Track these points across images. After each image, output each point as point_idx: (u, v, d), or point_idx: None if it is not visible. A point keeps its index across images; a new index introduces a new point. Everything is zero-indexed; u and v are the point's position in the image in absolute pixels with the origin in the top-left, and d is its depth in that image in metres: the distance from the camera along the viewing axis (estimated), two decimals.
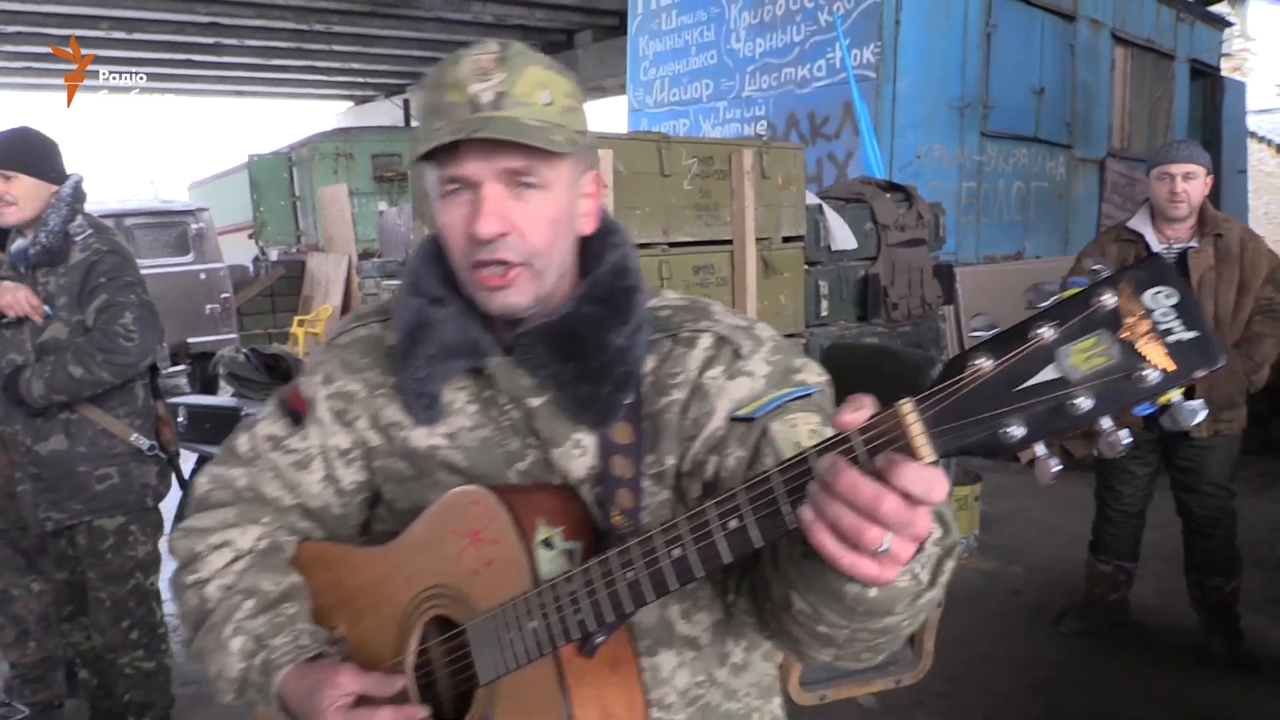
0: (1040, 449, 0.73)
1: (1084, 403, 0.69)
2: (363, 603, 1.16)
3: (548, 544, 1.00)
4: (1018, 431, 0.71)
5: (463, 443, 1.13)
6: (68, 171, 2.84)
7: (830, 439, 0.78)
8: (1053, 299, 0.71)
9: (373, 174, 15.68)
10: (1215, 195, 3.69)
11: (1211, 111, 11.39)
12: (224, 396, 4.66)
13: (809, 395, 1.04)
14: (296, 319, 13.09)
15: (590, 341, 1.07)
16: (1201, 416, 0.72)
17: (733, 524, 0.84)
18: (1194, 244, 3.42)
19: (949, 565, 0.91)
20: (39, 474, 2.79)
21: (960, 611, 2.44)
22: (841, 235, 4.40)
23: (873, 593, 0.85)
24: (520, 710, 1.01)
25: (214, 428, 3.89)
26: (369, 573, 1.15)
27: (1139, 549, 3.77)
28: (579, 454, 1.09)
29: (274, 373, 4.52)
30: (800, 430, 1.02)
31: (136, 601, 2.89)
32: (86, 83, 17.29)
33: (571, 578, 0.95)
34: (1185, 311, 0.67)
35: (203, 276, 10.45)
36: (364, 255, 13.00)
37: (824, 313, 4.42)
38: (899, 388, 2.45)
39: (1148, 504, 3.70)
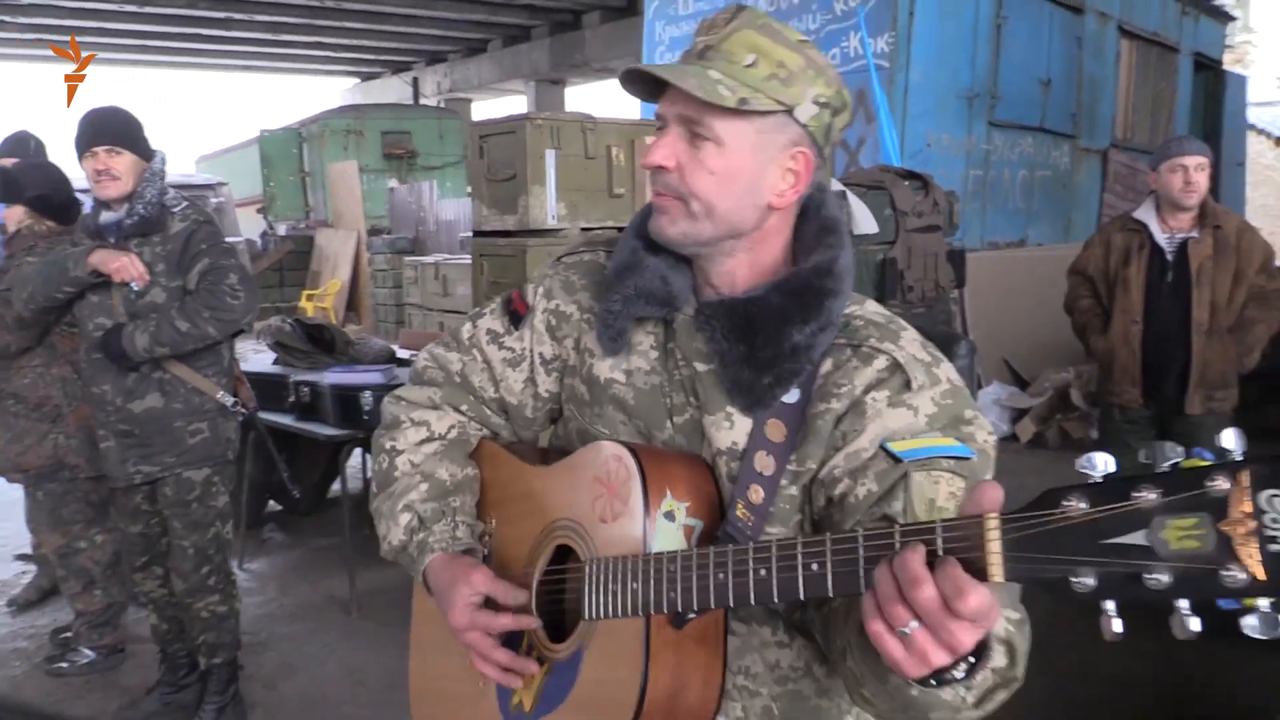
0: (1109, 607, 0.71)
1: (1163, 579, 0.67)
2: (515, 510, 1.28)
3: (669, 516, 1.06)
4: (1089, 583, 0.70)
5: (635, 383, 1.20)
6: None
7: (918, 525, 0.82)
8: (1171, 462, 0.69)
9: (382, 151, 15.80)
10: (1214, 187, 3.91)
11: (1213, 104, 11.54)
12: (266, 363, 4.85)
13: (966, 459, 1.02)
14: (305, 293, 13.25)
15: (766, 330, 1.09)
16: None
17: (814, 567, 0.88)
18: (1194, 234, 3.65)
19: (1001, 696, 0.92)
20: (129, 430, 2.97)
21: None
22: (864, 220, 4.61)
23: (914, 691, 0.87)
24: (608, 653, 1.09)
25: (259, 394, 4.08)
26: (526, 485, 1.27)
27: None
28: (728, 427, 1.12)
29: (317, 342, 4.73)
30: (941, 490, 1.00)
31: (215, 549, 3.09)
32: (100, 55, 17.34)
33: (675, 559, 1.01)
34: None
35: None
36: (373, 231, 13.15)
37: None
38: None
39: None
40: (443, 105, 19.78)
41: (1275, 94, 18.74)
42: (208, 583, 3.09)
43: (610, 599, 1.07)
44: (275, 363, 4.81)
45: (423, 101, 19.97)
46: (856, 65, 7.14)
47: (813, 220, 1.16)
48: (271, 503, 5.39)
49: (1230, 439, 0.68)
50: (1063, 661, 3.49)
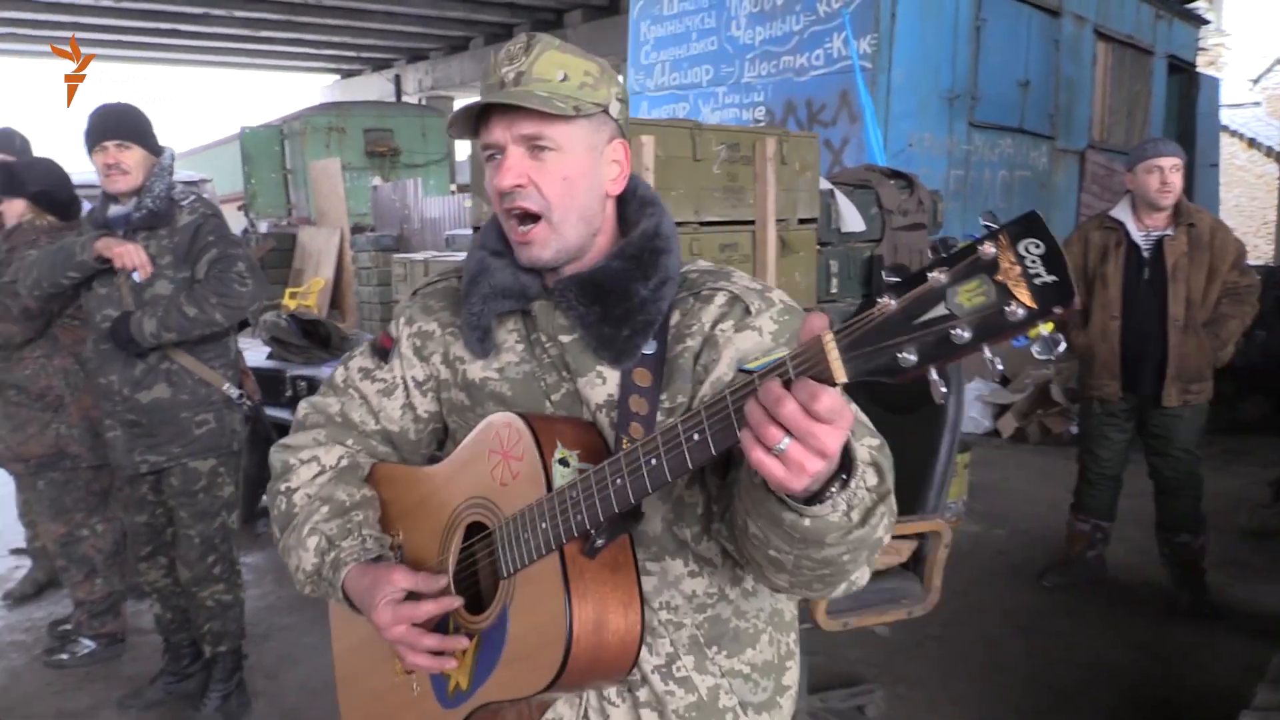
0: (933, 374, 0.83)
1: (964, 333, 0.79)
2: (419, 513, 1.35)
3: (564, 462, 1.16)
4: (911, 357, 0.81)
5: (509, 375, 1.31)
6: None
7: (769, 365, 0.92)
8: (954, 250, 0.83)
9: (365, 149, 15.76)
10: (1188, 188, 4.04)
11: (1187, 106, 11.72)
12: (261, 358, 4.88)
13: None
14: (288, 291, 13.19)
15: (616, 291, 1.23)
16: (1061, 349, 0.79)
17: (695, 436, 0.98)
18: (1169, 232, 3.77)
19: (882, 511, 1.03)
20: (136, 420, 3.02)
21: (951, 568, 2.74)
22: (851, 218, 4.71)
23: (806, 522, 0.97)
24: (531, 597, 1.17)
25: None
26: (424, 487, 1.36)
27: (1115, 510, 4.13)
28: (600, 383, 1.25)
29: (312, 337, 4.78)
30: None
31: (221, 538, 3.14)
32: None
33: (575, 484, 1.11)
34: (1050, 260, 0.76)
35: None
36: (356, 229, 13.13)
37: (833, 290, 4.74)
38: None
39: (1124, 468, 4.05)
40: (425, 103, 19.75)
41: (1248, 96, 19.01)
42: (213, 571, 3.14)
43: (524, 547, 1.16)
44: (270, 357, 4.86)
45: (405, 99, 19.93)
46: (840, 66, 7.25)
47: (632, 198, 1.32)
48: (265, 497, 5.43)
49: (987, 218, 0.82)
50: (1046, 647, 3.61)
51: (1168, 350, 3.75)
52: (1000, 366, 0.80)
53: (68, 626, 3.82)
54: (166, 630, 3.36)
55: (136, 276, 2.93)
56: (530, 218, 1.23)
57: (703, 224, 3.68)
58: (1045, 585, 4.15)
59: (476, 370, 1.34)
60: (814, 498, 0.97)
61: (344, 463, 1.41)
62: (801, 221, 4.32)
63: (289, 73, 23.16)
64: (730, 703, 1.29)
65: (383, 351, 1.43)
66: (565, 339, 1.27)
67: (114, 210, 3.00)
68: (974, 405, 6.83)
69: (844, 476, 0.97)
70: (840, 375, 0.86)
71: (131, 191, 2.96)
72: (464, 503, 1.27)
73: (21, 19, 15.20)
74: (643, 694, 1.27)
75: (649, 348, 1.23)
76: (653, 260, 1.24)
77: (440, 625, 1.26)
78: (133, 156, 2.92)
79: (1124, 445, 4.00)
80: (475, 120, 1.24)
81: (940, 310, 0.80)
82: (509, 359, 1.32)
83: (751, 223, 3.87)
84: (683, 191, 3.56)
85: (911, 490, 2.79)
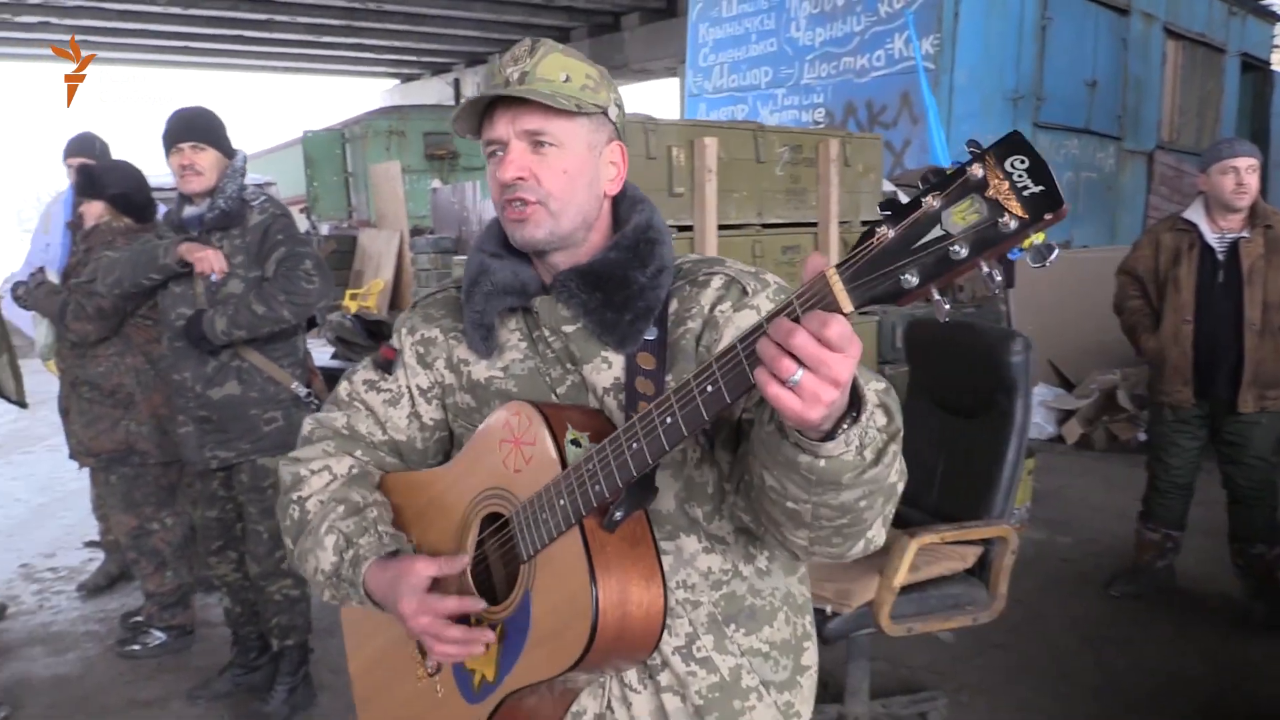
0: (936, 294, 0.86)
1: (961, 250, 0.82)
2: (431, 514, 1.37)
3: (575, 443, 1.18)
4: (913, 279, 0.84)
5: (514, 373, 1.34)
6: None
7: (779, 304, 0.94)
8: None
9: (424, 152, 15.94)
10: (1264, 189, 3.93)
11: (1261, 104, 11.43)
12: (325, 357, 4.97)
13: None
14: (349, 292, 13.39)
15: (615, 279, 1.27)
16: (1054, 256, 0.82)
17: (709, 388, 1.00)
18: (1245, 234, 3.67)
19: (894, 450, 1.05)
20: (208, 416, 3.09)
21: (1015, 575, 2.70)
22: None
23: (822, 462, 0.99)
24: (554, 576, 1.18)
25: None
26: (436, 487, 1.37)
27: (1186, 519, 4.03)
28: (606, 368, 1.28)
29: (376, 337, 4.85)
30: None
31: None
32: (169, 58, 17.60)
33: (590, 457, 1.14)
34: (1036, 172, 0.79)
35: None
36: (415, 231, 13.28)
37: None
38: (980, 361, 2.73)
39: (1195, 476, 3.95)
40: None
41: None
42: (281, 566, 3.19)
43: (543, 527, 1.18)
44: (334, 357, 4.95)
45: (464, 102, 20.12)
46: (901, 67, 7.19)
47: (624, 198, 1.37)
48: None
49: (971, 145, 0.84)
50: (1118, 658, 3.54)
51: (1243, 355, 3.66)
52: (999, 278, 0.83)
53: (139, 618, 3.92)
54: (235, 623, 3.43)
55: (214, 277, 3.00)
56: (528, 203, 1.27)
57: (765, 226, 3.66)
58: (1113, 594, 4.06)
59: (481, 370, 1.37)
60: (826, 436, 0.98)
61: (354, 470, 1.44)
62: (865, 223, 4.27)
63: (350, 77, 23.52)
64: (752, 682, 1.30)
65: (386, 364, 1.45)
66: (569, 329, 1.30)
67: (188, 211, 3.07)
68: (1037, 410, 6.71)
69: (854, 414, 0.98)
70: (847, 304, 0.88)
71: (205, 192, 3.03)
72: (478, 496, 1.29)
73: (93, 26, 15.62)
74: (664, 678, 1.28)
75: (650, 334, 1.27)
76: (648, 250, 1.29)
77: (460, 622, 1.27)
78: (206, 158, 2.99)
79: (1196, 453, 3.90)
80: (479, 118, 1.29)
81: (937, 232, 0.83)
82: (513, 356, 1.35)
83: (814, 224, 3.85)
84: (745, 193, 3.54)
85: (977, 495, 2.75)
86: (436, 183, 14.79)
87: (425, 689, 1.35)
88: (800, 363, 0.89)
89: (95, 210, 3.65)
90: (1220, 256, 3.71)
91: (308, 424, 1.51)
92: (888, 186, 4.58)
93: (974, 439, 2.84)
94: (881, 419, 1.06)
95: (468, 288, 1.35)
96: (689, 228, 3.37)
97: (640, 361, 1.26)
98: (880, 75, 7.41)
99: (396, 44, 18.68)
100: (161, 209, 3.56)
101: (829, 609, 2.53)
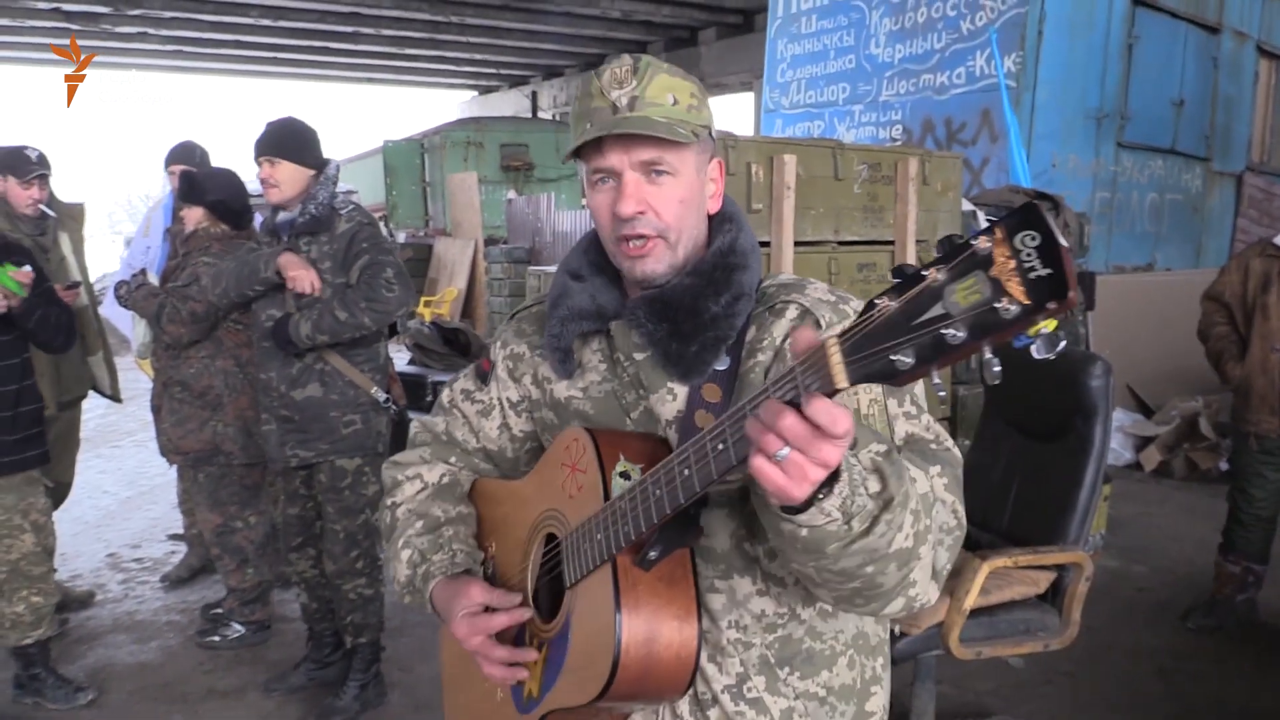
0: (935, 377, 0.82)
1: (958, 334, 0.76)
2: (508, 525, 1.42)
3: (625, 475, 1.17)
4: (908, 360, 0.79)
5: (592, 394, 1.35)
6: (325, 156, 3.24)
7: (783, 374, 0.91)
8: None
9: (500, 163, 16.18)
10: None
11: None
12: (403, 364, 5.08)
13: None
14: (424, 300, 13.66)
15: (684, 308, 1.24)
16: (1061, 346, 0.77)
17: (720, 446, 0.98)
18: None
19: (887, 519, 1.00)
20: (290, 416, 3.19)
21: (1087, 603, 2.65)
22: None
23: (803, 531, 0.98)
24: (589, 607, 1.19)
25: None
26: (513, 500, 1.42)
27: (1269, 553, 3.91)
28: (670, 400, 1.26)
29: (453, 345, 4.95)
30: (861, 399, 1.16)
31: (364, 534, 3.28)
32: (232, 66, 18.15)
33: (624, 497, 1.12)
34: (1045, 251, 0.73)
35: None
36: (490, 241, 13.49)
37: None
38: (1059, 384, 2.69)
39: (1279, 509, 3.84)
40: (559, 119, 20.15)
41: None
42: (356, 565, 3.28)
43: (582, 558, 1.19)
44: (410, 363, 5.05)
45: (540, 115, 20.39)
46: (982, 84, 7.11)
47: (717, 213, 1.33)
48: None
49: (978, 217, 0.76)
50: (1189, 692, 3.45)
51: None
52: (998, 368, 0.77)
53: (219, 610, 4.05)
54: (311, 619, 3.52)
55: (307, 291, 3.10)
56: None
57: (841, 243, 3.66)
58: (1189, 627, 3.96)
59: (562, 390, 1.38)
60: (806, 505, 0.96)
61: (445, 480, 1.49)
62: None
63: (430, 89, 23.95)
64: None
65: (483, 374, 1.50)
66: (639, 356, 1.29)
67: (282, 216, 3.19)
68: (1115, 436, 6.56)
69: (828, 484, 0.95)
70: (841, 380, 0.84)
71: (282, 203, 3.15)
72: (541, 514, 1.33)
73: (188, 37, 16.17)
74: (714, 714, 1.26)
75: (722, 363, 1.24)
76: (725, 277, 1.25)
77: (518, 634, 1.33)
78: (281, 172, 3.10)
79: None
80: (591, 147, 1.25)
81: (937, 309, 0.78)
82: (592, 378, 1.35)
83: (891, 243, 3.84)
84: (823, 210, 3.55)
85: (1051, 520, 2.72)
86: (512, 193, 15.02)
87: (490, 690, 1.40)
88: (787, 442, 0.88)
89: (195, 216, 3.79)
90: None
91: (414, 426, 1.58)
92: (966, 206, 4.54)
93: (1050, 462, 2.81)
94: (874, 485, 1.01)
95: (549, 309, 1.36)
96: (766, 243, 3.39)
97: (705, 394, 1.23)
98: (960, 92, 7.34)
99: (477, 56, 18.97)
100: (259, 217, 3.69)
101: (897, 629, 2.52)
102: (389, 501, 1.51)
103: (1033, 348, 0.77)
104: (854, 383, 0.84)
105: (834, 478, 0.95)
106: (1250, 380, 3.72)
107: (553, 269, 10.50)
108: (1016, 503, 2.89)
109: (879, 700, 1.35)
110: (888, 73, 7.87)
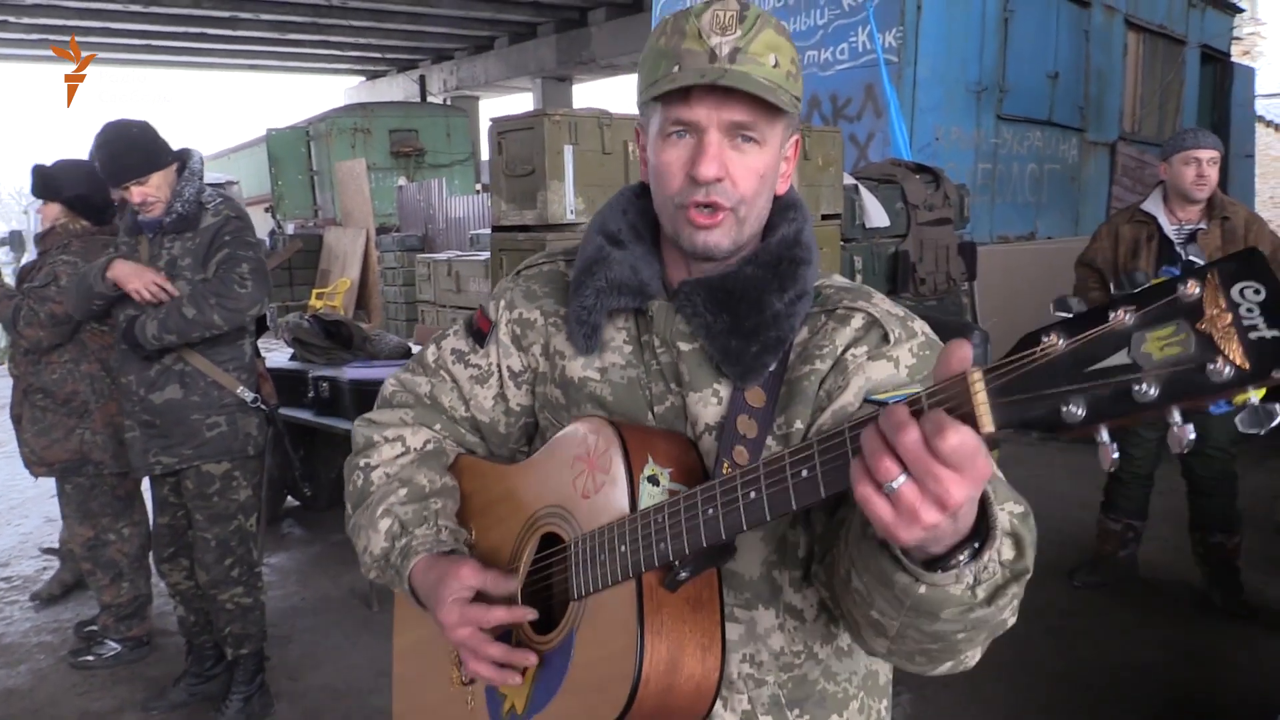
0: (1104, 434, 0.69)
1: (1150, 390, 0.65)
2: (495, 512, 1.25)
3: (653, 480, 1.05)
4: (1079, 412, 0.68)
5: (611, 379, 1.18)
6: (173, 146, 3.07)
7: (903, 397, 0.78)
8: (1141, 286, 0.69)
9: (390, 149, 15.87)
10: (1222, 180, 3.94)
11: (1221, 96, 11.52)
12: (284, 359, 4.89)
13: None
14: (315, 292, 13.31)
15: (749, 300, 1.10)
16: (1276, 422, 0.64)
17: (804, 473, 0.86)
18: (1203, 226, 3.68)
19: (1013, 591, 0.89)
20: (151, 421, 3.03)
21: None
22: (875, 214, 4.65)
23: (922, 589, 0.84)
24: (600, 627, 1.05)
25: (278, 390, 4.14)
26: (504, 486, 1.25)
27: (1147, 509, 4.05)
28: (715, 403, 1.12)
29: (334, 338, 4.78)
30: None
31: (238, 541, 3.13)
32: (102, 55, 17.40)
33: (662, 509, 0.99)
34: (1272, 309, 0.62)
35: None
36: (381, 230, 13.21)
37: None
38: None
39: (1156, 466, 3.97)
40: (449, 103, 19.83)
41: None
42: (231, 574, 3.14)
43: (599, 570, 1.05)
44: (293, 359, 4.87)
45: (429, 99, 20.02)
46: (865, 60, 7.18)
47: (777, 198, 1.18)
48: (290, 498, 5.46)
49: (1195, 253, 0.69)
50: (1076, 647, 3.54)
51: None
52: (1192, 436, 0.65)
53: (94, 628, 3.84)
54: (189, 632, 3.37)
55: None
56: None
57: None
58: (1075, 584, 4.08)
59: (577, 368, 1.21)
60: (936, 562, 0.83)
61: (430, 447, 1.31)
62: (825, 217, 4.25)
63: (314, 75, 23.34)
64: None
65: (478, 334, 1.31)
66: (685, 346, 1.14)
67: (145, 216, 3.00)
68: None
69: (976, 544, 0.82)
70: (987, 423, 0.71)
71: (169, 208, 2.98)
72: (542, 509, 1.17)
73: (51, 25, 15.40)
74: None
75: (771, 362, 1.11)
76: (791, 271, 1.12)
77: (503, 636, 1.16)
78: (151, 186, 2.94)
79: (1156, 443, 3.92)
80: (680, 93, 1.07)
81: (1121, 358, 0.66)
82: (614, 360, 1.19)
83: None
84: None
85: None
86: (402, 180, 14.74)
87: (456, 697, 1.25)
88: (905, 468, 0.74)
89: (51, 212, 3.57)
90: (1178, 248, 3.72)
91: (389, 384, 1.38)
92: (848, 180, 4.58)
93: None
94: (1009, 552, 0.90)
95: (579, 274, 1.19)
96: None
97: (749, 397, 1.10)
98: (844, 68, 7.40)
99: (362, 40, 18.55)
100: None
101: None
102: (361, 462, 1.30)
103: (1237, 418, 0.64)
104: (1002, 427, 0.71)
105: (980, 538, 0.82)
106: None
107: (444, 256, 10.21)
108: None
109: None
110: None
